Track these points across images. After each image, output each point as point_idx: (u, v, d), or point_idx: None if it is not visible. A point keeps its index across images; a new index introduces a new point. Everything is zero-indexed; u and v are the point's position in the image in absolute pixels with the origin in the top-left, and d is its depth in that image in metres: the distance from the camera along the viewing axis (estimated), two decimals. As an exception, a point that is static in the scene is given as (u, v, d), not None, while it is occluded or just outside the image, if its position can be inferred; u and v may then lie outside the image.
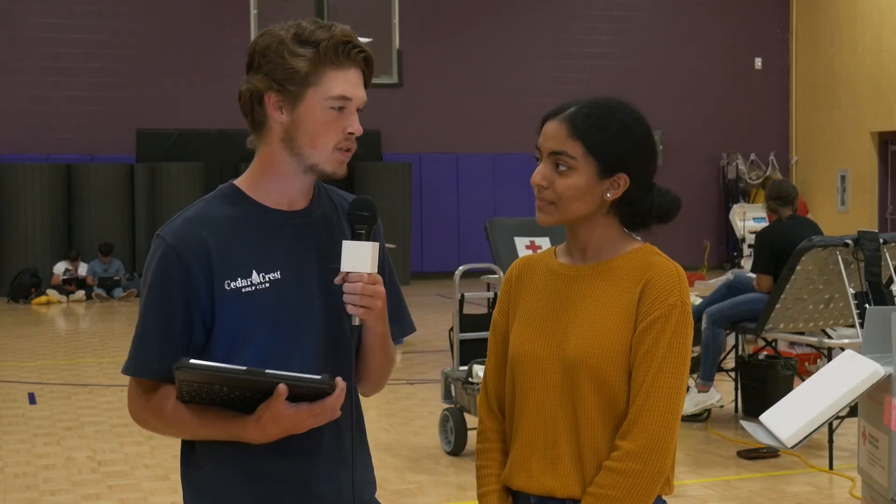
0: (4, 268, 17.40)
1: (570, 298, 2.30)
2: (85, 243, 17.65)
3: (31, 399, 9.16)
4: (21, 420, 8.33)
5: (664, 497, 2.30)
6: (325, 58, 2.24)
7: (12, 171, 17.53)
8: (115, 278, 17.31)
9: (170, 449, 7.20)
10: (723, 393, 7.95)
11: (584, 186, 2.24)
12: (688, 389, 7.86)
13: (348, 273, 2.23)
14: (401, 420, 8.11)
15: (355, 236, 2.27)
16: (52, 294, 16.92)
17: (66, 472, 6.78)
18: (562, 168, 2.25)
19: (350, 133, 2.27)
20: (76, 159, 18.21)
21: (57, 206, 17.67)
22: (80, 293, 16.99)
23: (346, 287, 2.23)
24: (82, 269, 17.24)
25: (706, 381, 7.65)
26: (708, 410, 7.83)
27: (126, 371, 2.29)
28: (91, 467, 6.89)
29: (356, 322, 2.24)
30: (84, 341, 13.04)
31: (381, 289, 2.25)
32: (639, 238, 2.37)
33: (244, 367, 2.08)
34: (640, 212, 2.31)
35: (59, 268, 17.23)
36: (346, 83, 2.26)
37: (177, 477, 7.13)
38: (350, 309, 2.23)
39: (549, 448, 2.27)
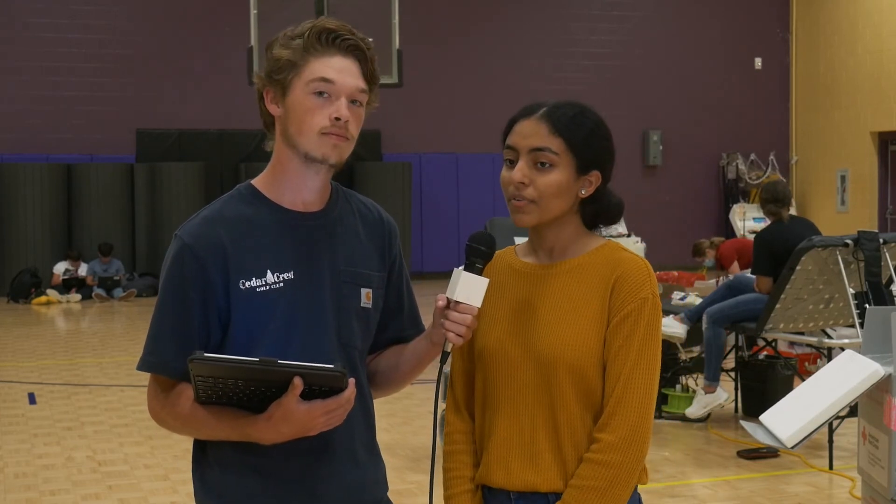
0: (4, 268, 17.40)
1: (538, 297, 2.33)
2: (85, 243, 17.65)
3: (31, 399, 9.16)
4: (21, 420, 8.32)
5: (639, 486, 2.34)
6: (308, 46, 2.27)
7: (12, 171, 17.53)
8: (115, 278, 17.31)
9: (170, 449, 7.20)
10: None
11: (564, 183, 2.28)
12: (694, 393, 7.85)
13: (458, 303, 2.24)
14: (401, 420, 8.10)
15: (471, 268, 2.28)
16: (52, 294, 16.92)
17: (66, 472, 6.78)
18: (543, 165, 2.27)
19: (336, 119, 2.25)
20: (76, 159, 18.21)
21: (57, 206, 17.67)
22: (76, 296, 17.00)
23: (454, 316, 2.23)
24: (82, 269, 17.25)
25: (712, 382, 7.63)
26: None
27: (143, 368, 2.29)
28: (91, 467, 6.88)
29: (448, 348, 2.28)
30: (84, 341, 13.04)
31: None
32: (601, 235, 2.41)
33: (257, 359, 2.10)
34: (601, 211, 2.37)
35: (60, 268, 17.23)
36: (327, 67, 2.26)
37: (177, 477, 7.12)
38: (451, 337, 2.25)
39: (527, 444, 2.30)
